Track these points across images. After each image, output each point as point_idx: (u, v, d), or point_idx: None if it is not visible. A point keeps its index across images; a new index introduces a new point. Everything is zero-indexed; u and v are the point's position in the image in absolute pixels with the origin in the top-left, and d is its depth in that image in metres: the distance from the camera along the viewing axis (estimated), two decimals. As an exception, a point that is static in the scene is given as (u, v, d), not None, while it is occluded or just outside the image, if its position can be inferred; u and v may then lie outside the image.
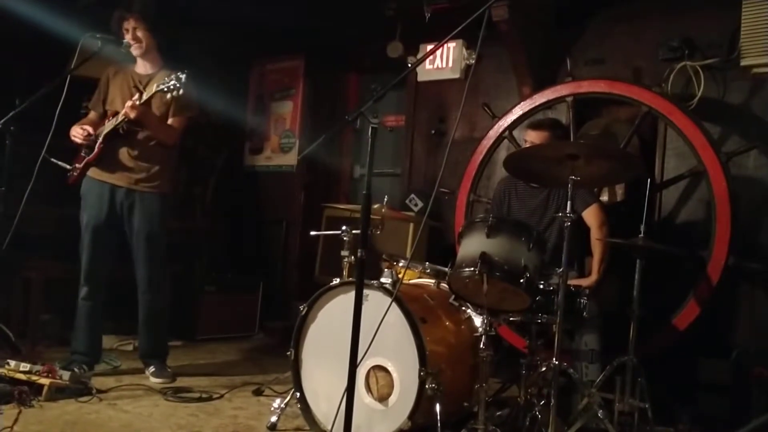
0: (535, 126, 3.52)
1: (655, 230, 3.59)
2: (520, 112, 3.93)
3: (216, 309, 4.95)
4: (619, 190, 3.95)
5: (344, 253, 3.07)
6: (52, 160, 3.42)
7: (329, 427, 2.61)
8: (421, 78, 4.85)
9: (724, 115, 3.77)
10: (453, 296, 2.86)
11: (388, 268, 2.98)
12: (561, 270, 2.48)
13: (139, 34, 3.53)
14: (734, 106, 3.76)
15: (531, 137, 3.45)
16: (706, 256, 3.29)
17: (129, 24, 3.52)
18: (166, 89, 3.29)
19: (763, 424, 1.81)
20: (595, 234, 3.26)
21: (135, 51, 3.56)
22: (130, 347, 4.22)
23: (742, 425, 1.79)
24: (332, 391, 2.68)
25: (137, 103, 3.35)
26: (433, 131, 4.99)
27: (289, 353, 2.88)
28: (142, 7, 3.51)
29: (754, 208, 3.63)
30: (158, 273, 3.63)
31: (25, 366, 3.02)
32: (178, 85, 3.25)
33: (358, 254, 2.05)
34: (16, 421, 2.59)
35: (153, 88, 3.36)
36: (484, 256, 2.51)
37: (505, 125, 3.98)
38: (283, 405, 2.91)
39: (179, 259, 4.92)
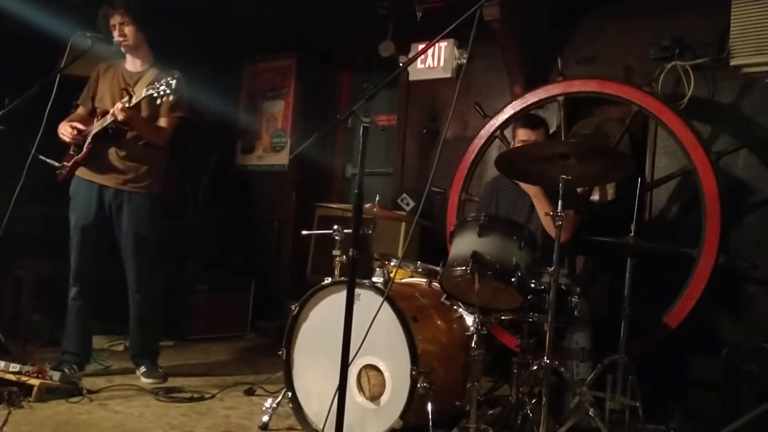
0: (531, 124, 3.40)
1: (645, 229, 3.61)
2: (512, 112, 3.92)
3: (208, 308, 4.93)
4: (610, 189, 3.96)
5: (336, 252, 3.08)
6: (41, 157, 3.40)
7: (321, 427, 2.59)
8: (412, 77, 4.83)
9: (713, 114, 3.79)
10: (445, 295, 2.87)
11: (379, 267, 2.98)
12: (552, 269, 2.48)
13: (126, 29, 3.49)
14: (724, 106, 3.78)
15: (526, 136, 3.35)
16: (697, 255, 3.30)
17: (115, 20, 3.48)
18: (156, 95, 3.23)
19: (753, 420, 1.82)
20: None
21: (124, 47, 3.53)
22: (121, 347, 4.19)
23: (732, 422, 1.80)
24: (324, 391, 2.68)
25: (126, 106, 3.32)
26: (425, 130, 4.99)
27: (280, 353, 2.88)
28: (128, 1, 3.47)
29: (744, 206, 3.65)
30: (148, 273, 3.61)
31: (14, 366, 3.00)
32: (168, 90, 3.20)
33: (350, 253, 2.05)
34: (5, 422, 2.58)
35: (142, 92, 3.30)
36: (475, 255, 2.52)
37: (497, 124, 3.98)
38: (274, 405, 2.91)
39: (171, 258, 4.91)
